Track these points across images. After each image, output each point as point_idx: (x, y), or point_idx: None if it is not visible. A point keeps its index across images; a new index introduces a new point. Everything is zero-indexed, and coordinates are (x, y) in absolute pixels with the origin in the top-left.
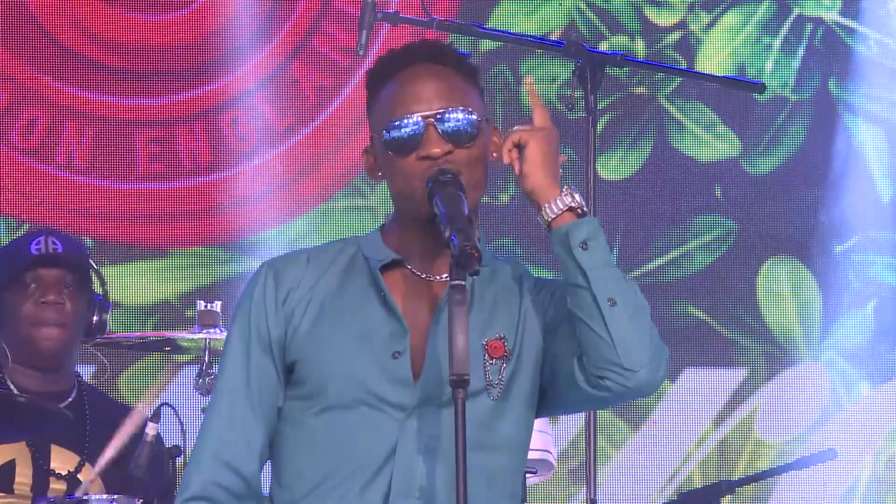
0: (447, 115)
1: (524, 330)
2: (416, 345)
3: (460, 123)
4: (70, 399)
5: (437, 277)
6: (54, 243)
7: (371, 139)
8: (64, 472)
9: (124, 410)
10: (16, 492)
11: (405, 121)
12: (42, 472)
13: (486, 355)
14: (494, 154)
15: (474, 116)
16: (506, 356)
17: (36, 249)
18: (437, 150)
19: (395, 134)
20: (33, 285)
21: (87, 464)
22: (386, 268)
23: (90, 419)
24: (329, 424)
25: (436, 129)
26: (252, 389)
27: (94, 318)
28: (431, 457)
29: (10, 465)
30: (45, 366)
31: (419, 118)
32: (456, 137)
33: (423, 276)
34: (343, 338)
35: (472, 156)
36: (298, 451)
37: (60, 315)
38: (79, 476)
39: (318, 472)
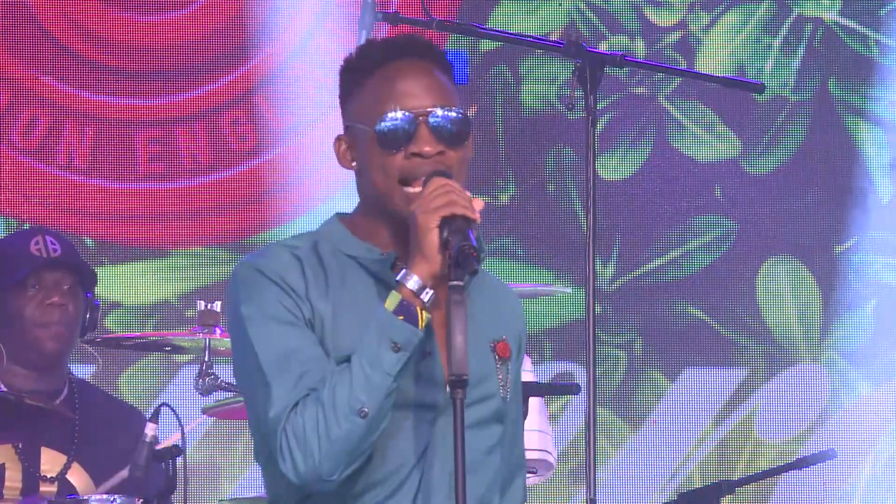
0: (441, 114)
1: (510, 338)
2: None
3: (453, 123)
4: (62, 397)
5: None
6: (53, 244)
7: (346, 128)
8: (53, 474)
9: (119, 406)
10: (5, 496)
11: (396, 115)
12: (31, 476)
13: (496, 356)
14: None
15: (465, 118)
16: (509, 357)
17: (36, 251)
18: (428, 149)
19: (385, 127)
20: (35, 287)
21: (74, 462)
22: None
23: (80, 417)
24: None
25: (428, 126)
26: (303, 344)
27: (87, 316)
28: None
29: (0, 469)
30: (46, 366)
31: (411, 114)
32: (448, 137)
33: None
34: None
35: (461, 158)
36: None
37: (64, 316)
38: (67, 476)
39: (351, 480)
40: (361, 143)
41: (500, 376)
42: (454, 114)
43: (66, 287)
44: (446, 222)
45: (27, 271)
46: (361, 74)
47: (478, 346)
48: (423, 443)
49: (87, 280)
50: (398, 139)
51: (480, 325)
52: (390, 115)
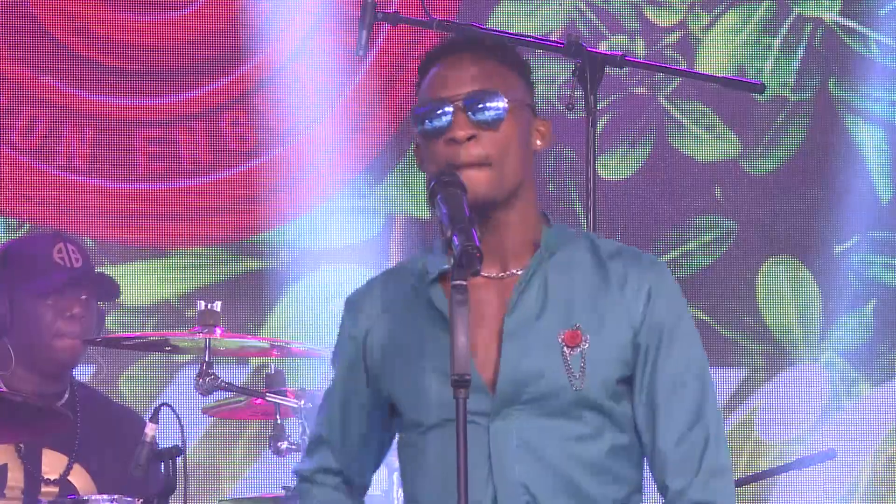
0: (472, 98)
1: (605, 319)
2: (489, 346)
3: (485, 106)
4: (63, 399)
5: (503, 273)
6: (75, 253)
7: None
8: (55, 476)
9: (119, 409)
10: (7, 496)
11: (431, 105)
12: (33, 477)
13: (565, 348)
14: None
15: (501, 99)
16: (583, 341)
17: (60, 259)
18: (461, 133)
19: (423, 119)
20: (55, 296)
21: (76, 464)
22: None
23: (81, 419)
24: (430, 446)
25: (463, 112)
26: (344, 405)
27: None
28: (528, 454)
29: (2, 470)
30: (55, 374)
31: (445, 101)
32: (481, 120)
33: (487, 274)
34: (411, 362)
35: (499, 139)
36: (416, 476)
37: (82, 328)
38: (69, 478)
39: (434, 494)
40: (420, 141)
41: (570, 366)
42: (485, 96)
43: (84, 297)
44: (450, 220)
45: (53, 282)
46: (420, 80)
47: (540, 340)
48: (485, 449)
49: (108, 293)
50: (436, 127)
51: (550, 315)
52: (426, 106)
